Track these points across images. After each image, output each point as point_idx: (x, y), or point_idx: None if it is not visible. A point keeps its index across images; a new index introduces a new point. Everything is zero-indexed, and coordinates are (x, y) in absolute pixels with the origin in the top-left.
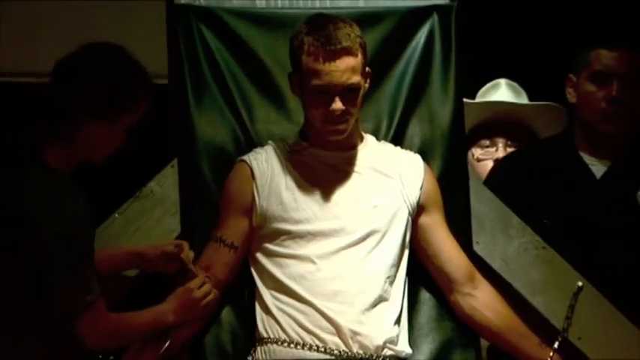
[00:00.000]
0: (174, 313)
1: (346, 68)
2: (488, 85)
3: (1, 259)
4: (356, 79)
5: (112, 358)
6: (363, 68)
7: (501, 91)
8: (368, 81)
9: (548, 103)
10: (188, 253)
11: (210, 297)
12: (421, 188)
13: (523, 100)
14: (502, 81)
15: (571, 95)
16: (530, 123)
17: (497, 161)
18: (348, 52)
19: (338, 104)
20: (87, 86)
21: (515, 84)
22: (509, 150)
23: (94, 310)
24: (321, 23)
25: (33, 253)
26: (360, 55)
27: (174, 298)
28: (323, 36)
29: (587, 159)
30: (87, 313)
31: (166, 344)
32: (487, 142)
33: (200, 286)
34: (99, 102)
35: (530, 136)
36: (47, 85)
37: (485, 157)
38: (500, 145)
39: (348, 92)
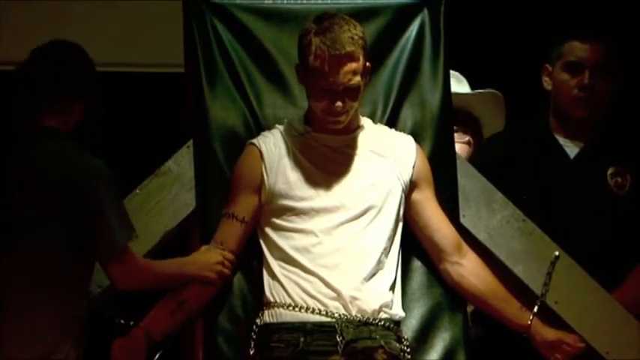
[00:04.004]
0: (195, 269)
1: (348, 71)
2: None
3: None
4: (356, 80)
5: (132, 323)
6: (364, 67)
7: None
8: (367, 76)
9: (482, 90)
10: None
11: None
12: (413, 167)
13: (464, 88)
14: None
15: (547, 83)
16: (469, 109)
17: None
18: (351, 57)
19: (339, 102)
20: (45, 76)
21: (456, 73)
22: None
23: (125, 254)
24: (328, 25)
25: (72, 202)
26: (361, 58)
27: (198, 262)
28: (329, 39)
29: (562, 141)
30: (120, 258)
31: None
32: None
33: (222, 266)
34: (54, 92)
35: (473, 121)
36: (22, 67)
37: None
38: None
39: (349, 91)
